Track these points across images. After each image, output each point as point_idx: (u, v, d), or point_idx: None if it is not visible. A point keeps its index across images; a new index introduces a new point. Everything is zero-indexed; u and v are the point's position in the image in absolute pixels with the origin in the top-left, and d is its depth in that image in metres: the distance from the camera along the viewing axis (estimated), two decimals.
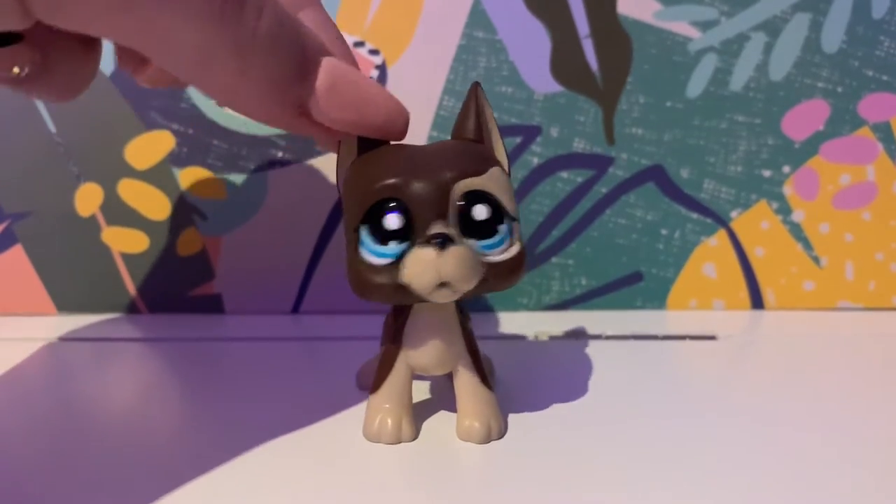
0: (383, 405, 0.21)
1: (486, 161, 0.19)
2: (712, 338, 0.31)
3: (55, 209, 0.35)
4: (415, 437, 0.21)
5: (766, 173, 0.35)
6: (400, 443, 0.20)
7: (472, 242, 0.18)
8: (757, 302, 0.36)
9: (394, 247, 0.18)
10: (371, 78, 0.19)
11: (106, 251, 0.36)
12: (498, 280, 0.19)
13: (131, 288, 0.36)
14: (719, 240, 0.35)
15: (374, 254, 0.18)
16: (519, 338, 0.31)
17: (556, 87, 0.34)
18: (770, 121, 0.34)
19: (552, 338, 0.31)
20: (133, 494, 0.18)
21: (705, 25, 0.34)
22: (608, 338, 0.31)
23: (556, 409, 0.23)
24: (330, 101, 0.18)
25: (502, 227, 0.19)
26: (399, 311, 0.21)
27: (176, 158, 0.35)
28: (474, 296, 0.19)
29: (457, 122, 0.21)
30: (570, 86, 0.34)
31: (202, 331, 0.33)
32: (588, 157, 0.35)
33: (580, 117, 0.34)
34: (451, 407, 0.22)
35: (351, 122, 0.19)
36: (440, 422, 0.22)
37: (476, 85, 0.20)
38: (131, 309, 0.36)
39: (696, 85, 0.34)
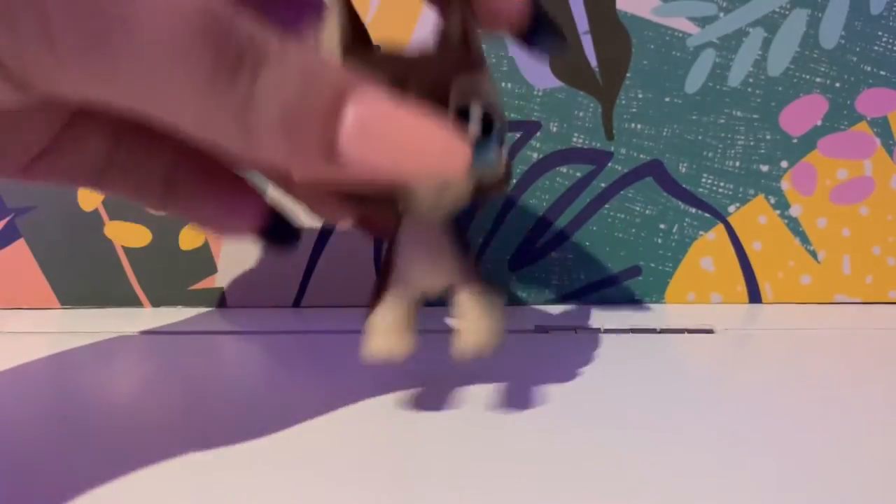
0: (379, 321, 0.21)
1: None
2: (710, 331, 0.31)
3: (58, 204, 0.36)
4: (410, 349, 0.21)
5: (764, 168, 0.35)
6: (395, 355, 0.20)
7: None
8: (754, 296, 0.36)
9: None
10: (417, 111, 0.16)
11: (109, 245, 0.36)
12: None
13: (134, 282, 0.36)
14: (717, 234, 0.35)
15: None
16: (518, 331, 0.31)
17: (555, 83, 0.34)
18: (768, 116, 0.34)
19: (552, 332, 0.31)
20: (135, 487, 0.18)
21: (704, 21, 0.34)
22: (606, 331, 0.31)
23: (555, 402, 0.23)
24: (362, 144, 0.16)
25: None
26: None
27: None
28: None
29: None
30: (569, 81, 0.34)
31: (204, 325, 0.34)
32: (587, 153, 0.35)
33: (579, 113, 0.35)
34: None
35: (392, 168, 0.16)
36: (440, 421, 0.22)
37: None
38: (134, 303, 0.37)
39: (695, 80, 0.34)
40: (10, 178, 0.19)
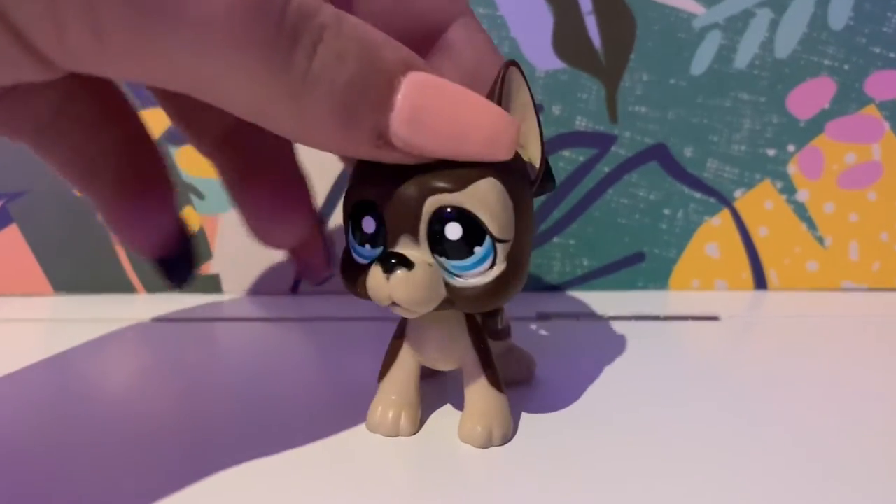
0: (388, 396, 0.20)
1: (472, 172, 0.17)
2: (715, 318, 0.31)
3: (51, 188, 0.35)
4: (414, 432, 0.20)
5: (771, 152, 0.34)
6: (398, 436, 0.20)
7: (444, 261, 0.17)
8: (760, 282, 0.35)
9: (369, 250, 0.18)
10: (467, 89, 0.16)
11: (102, 231, 0.35)
12: (466, 304, 0.17)
13: (128, 268, 0.36)
14: (722, 219, 0.35)
15: (356, 252, 0.18)
16: (519, 318, 0.31)
17: (558, 65, 0.34)
18: (775, 99, 0.34)
19: (554, 319, 0.31)
20: (132, 475, 0.18)
21: (710, 2, 0.33)
22: (610, 318, 0.31)
23: (558, 390, 0.23)
24: (412, 129, 0.16)
25: (480, 249, 0.17)
26: None
27: (172, 137, 0.34)
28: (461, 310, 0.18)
29: None
30: (572, 63, 0.34)
31: (200, 311, 0.33)
32: (590, 136, 0.34)
33: (583, 95, 0.34)
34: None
35: (441, 150, 0.16)
36: (447, 418, 0.21)
37: (507, 65, 0.17)
38: (128, 289, 0.36)
39: (701, 62, 0.34)
40: None
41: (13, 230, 0.35)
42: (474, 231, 0.17)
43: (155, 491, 0.17)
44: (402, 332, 0.20)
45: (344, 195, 0.18)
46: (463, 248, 0.17)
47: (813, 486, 0.17)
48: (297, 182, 0.20)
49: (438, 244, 0.17)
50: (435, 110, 0.16)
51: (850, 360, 0.26)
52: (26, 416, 0.22)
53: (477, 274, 0.17)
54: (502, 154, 0.16)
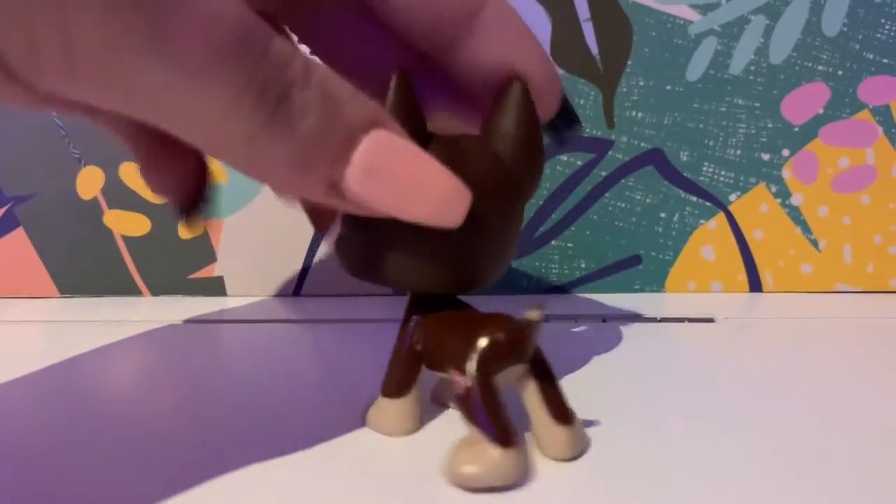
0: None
1: None
2: (710, 320, 0.31)
3: (57, 192, 0.36)
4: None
5: (766, 156, 0.35)
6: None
7: None
8: (755, 284, 0.36)
9: None
10: (427, 155, 0.16)
11: (108, 234, 0.36)
12: None
13: (133, 271, 0.36)
14: (718, 223, 0.35)
15: None
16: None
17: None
18: (770, 104, 0.34)
19: (552, 320, 0.31)
20: (137, 475, 0.18)
21: (706, 8, 0.34)
22: (607, 320, 0.31)
23: None
24: (364, 186, 0.16)
25: None
26: None
27: None
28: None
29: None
30: (570, 69, 0.34)
31: (205, 313, 0.34)
32: (588, 141, 0.35)
33: (580, 100, 0.34)
34: None
35: (390, 209, 0.16)
36: (438, 406, 0.22)
37: (512, 81, 0.19)
38: (133, 292, 0.37)
39: (697, 68, 0.34)
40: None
41: (20, 233, 0.36)
42: None
43: (159, 491, 0.18)
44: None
45: None
46: None
47: (807, 486, 0.17)
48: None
49: None
50: (389, 171, 0.16)
51: (844, 362, 0.26)
52: (32, 417, 0.22)
53: None
54: (450, 222, 0.17)
